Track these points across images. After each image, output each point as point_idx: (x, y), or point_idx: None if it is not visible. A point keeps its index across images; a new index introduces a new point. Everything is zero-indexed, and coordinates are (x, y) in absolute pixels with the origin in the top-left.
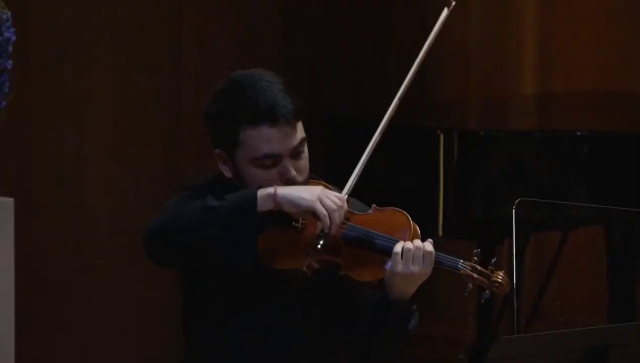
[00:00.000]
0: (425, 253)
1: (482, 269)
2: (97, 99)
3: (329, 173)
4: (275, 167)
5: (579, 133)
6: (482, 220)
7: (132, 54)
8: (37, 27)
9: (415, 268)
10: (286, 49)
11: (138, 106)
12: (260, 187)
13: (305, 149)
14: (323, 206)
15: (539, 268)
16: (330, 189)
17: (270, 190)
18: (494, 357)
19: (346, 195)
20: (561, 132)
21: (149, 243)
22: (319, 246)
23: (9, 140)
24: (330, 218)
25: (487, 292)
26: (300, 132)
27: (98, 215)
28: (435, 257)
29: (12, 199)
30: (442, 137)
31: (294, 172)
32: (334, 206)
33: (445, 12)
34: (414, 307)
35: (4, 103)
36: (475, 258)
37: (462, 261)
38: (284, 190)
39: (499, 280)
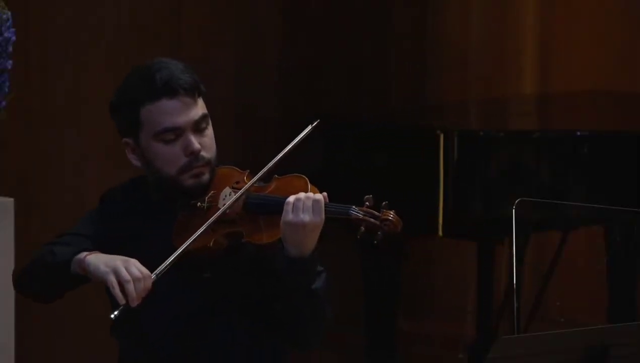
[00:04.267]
0: (314, 201)
1: (372, 211)
2: (97, 99)
3: (327, 172)
4: (178, 140)
5: (579, 133)
6: (482, 220)
7: (132, 54)
8: (37, 27)
9: (305, 216)
10: (286, 49)
11: None
12: (84, 250)
13: (210, 128)
14: (116, 277)
15: (539, 268)
16: (240, 174)
17: (82, 255)
18: (494, 357)
19: (155, 275)
20: (561, 132)
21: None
22: (112, 316)
23: (9, 140)
24: (123, 289)
25: (380, 233)
26: (201, 108)
27: None
28: (326, 206)
29: (12, 199)
30: (442, 137)
31: (197, 145)
32: (128, 278)
33: (308, 128)
34: (320, 268)
35: (4, 103)
36: (367, 203)
37: (353, 206)
38: (92, 258)
39: (390, 218)
